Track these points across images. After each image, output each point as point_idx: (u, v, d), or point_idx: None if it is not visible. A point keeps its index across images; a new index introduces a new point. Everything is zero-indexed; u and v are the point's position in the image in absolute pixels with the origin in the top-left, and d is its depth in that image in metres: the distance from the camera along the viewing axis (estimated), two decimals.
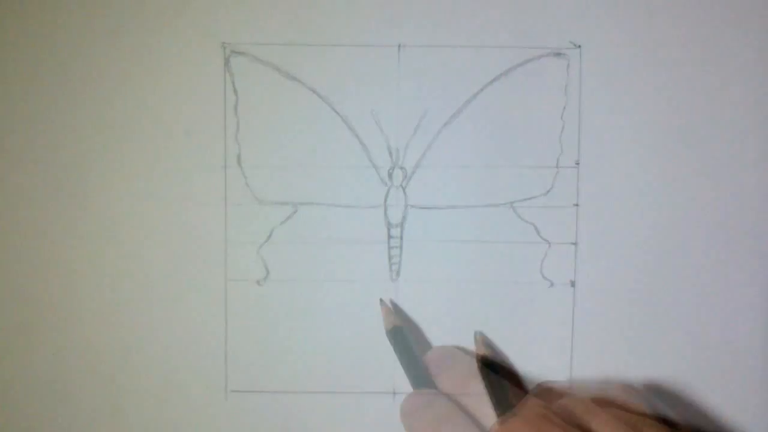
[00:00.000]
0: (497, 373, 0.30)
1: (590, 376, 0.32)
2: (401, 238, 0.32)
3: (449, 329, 0.32)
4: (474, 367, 0.30)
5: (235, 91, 0.32)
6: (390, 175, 0.32)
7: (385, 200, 0.32)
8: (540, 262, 0.32)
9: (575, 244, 0.32)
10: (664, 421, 0.27)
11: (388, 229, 0.32)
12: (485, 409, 0.29)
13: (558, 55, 0.32)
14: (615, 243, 0.32)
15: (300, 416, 0.33)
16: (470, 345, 0.32)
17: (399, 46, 0.32)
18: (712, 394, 0.32)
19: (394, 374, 0.32)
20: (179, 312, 0.32)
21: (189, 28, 0.32)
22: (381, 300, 0.32)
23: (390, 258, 0.32)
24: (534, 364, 0.32)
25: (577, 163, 0.32)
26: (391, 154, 0.32)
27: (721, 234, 0.32)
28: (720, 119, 0.32)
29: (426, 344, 0.32)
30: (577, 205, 0.32)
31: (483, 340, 0.32)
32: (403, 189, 0.32)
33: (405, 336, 0.31)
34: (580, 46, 0.32)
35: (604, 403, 0.28)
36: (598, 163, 0.32)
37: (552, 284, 0.32)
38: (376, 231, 0.32)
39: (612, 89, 0.32)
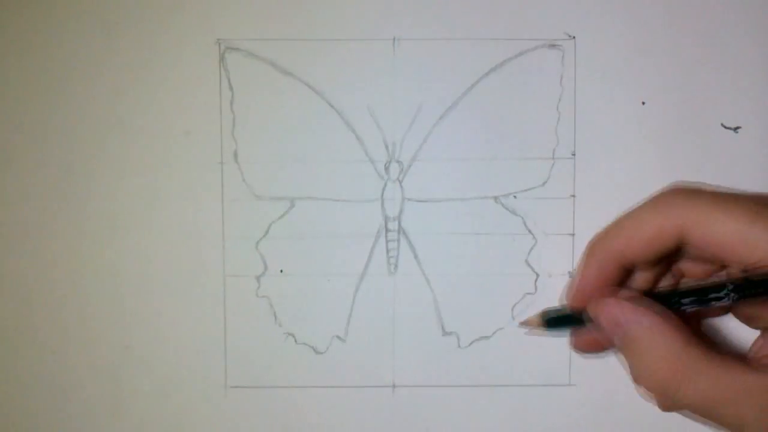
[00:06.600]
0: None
1: (589, 361, 0.32)
2: (398, 231, 0.32)
3: (448, 322, 0.32)
4: None
5: (231, 88, 0.32)
6: (386, 169, 0.32)
7: (382, 194, 0.32)
8: (537, 254, 0.32)
9: (572, 234, 0.32)
10: None
11: (386, 223, 0.32)
12: None
13: (553, 46, 0.32)
14: None
15: (300, 411, 0.33)
16: (471, 344, 0.32)
17: (394, 39, 0.32)
18: None
19: (393, 368, 0.32)
20: (178, 308, 0.32)
21: (184, 24, 0.32)
22: None
23: (388, 251, 0.32)
24: (533, 353, 0.32)
25: (573, 154, 0.32)
26: (387, 148, 0.32)
27: None
28: (715, 108, 0.32)
29: None
30: (573, 195, 0.32)
31: None
32: (400, 183, 0.32)
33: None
34: (574, 37, 0.32)
35: None
36: (594, 153, 0.32)
37: (550, 275, 0.32)
38: (374, 225, 0.32)
39: (607, 80, 0.32)
